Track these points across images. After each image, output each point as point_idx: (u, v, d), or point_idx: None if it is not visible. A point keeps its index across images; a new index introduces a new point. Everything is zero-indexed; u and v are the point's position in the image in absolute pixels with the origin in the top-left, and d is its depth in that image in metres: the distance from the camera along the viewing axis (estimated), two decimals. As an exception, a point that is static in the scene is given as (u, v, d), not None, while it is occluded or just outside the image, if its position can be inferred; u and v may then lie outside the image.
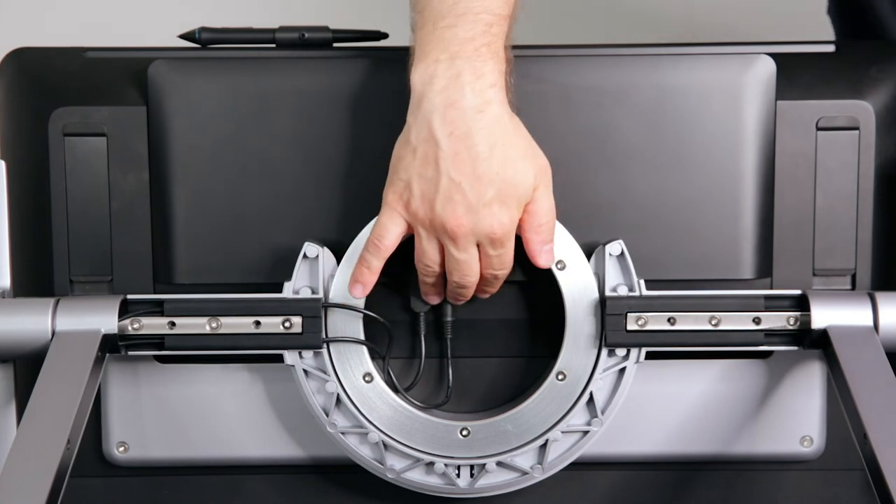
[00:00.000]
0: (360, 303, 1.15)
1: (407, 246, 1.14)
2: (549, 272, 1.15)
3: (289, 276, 1.15)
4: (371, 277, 1.13)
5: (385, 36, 1.23)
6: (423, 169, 1.09)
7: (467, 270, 1.12)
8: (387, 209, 1.11)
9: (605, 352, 1.15)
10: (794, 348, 1.16)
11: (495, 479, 1.17)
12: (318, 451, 1.20)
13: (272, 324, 1.15)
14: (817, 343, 1.15)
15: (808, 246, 1.19)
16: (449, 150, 1.08)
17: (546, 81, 1.16)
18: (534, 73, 1.15)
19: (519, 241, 1.14)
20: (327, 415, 1.16)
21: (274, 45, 1.21)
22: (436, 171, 1.09)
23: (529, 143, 1.11)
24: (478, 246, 1.11)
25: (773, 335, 1.16)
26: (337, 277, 1.15)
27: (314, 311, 1.14)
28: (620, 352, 1.15)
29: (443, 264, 1.12)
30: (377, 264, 1.12)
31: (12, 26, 1.97)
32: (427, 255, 1.12)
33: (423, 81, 1.09)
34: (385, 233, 1.11)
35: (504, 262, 1.12)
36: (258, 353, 1.16)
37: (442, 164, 1.08)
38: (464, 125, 1.08)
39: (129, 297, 1.16)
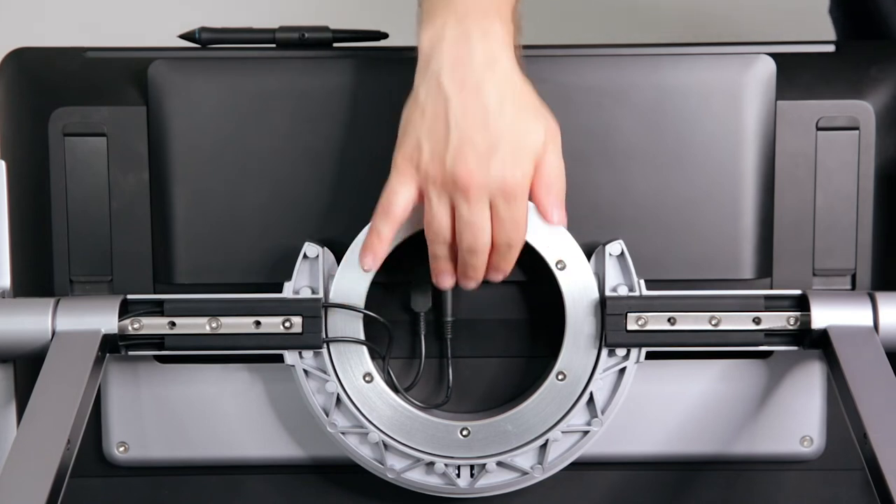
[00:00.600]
0: (361, 303, 1.15)
1: (408, 246, 1.14)
2: (549, 272, 1.15)
3: (289, 276, 1.15)
4: (382, 247, 1.11)
5: (385, 36, 1.22)
6: (432, 126, 1.08)
7: (479, 231, 1.09)
8: (396, 173, 1.10)
9: (605, 352, 1.15)
10: (794, 348, 1.16)
11: (495, 479, 1.17)
12: (318, 451, 1.20)
13: (272, 324, 1.15)
14: (817, 343, 1.15)
15: (808, 246, 1.19)
16: (458, 105, 1.07)
17: (546, 81, 1.16)
18: (534, 73, 1.15)
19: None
20: (327, 415, 1.16)
21: (274, 45, 1.21)
22: (445, 127, 1.08)
23: (539, 102, 1.10)
24: (490, 208, 1.09)
25: (773, 335, 1.16)
26: (337, 277, 1.15)
27: (314, 311, 1.14)
28: (620, 352, 1.15)
29: (454, 230, 1.10)
30: (388, 232, 1.11)
31: (12, 26, 1.97)
32: (437, 218, 1.09)
33: (430, 43, 1.09)
34: (395, 198, 1.10)
35: (518, 225, 1.10)
36: (258, 353, 1.16)
37: (452, 120, 1.08)
38: (473, 79, 1.08)
39: (129, 297, 1.16)
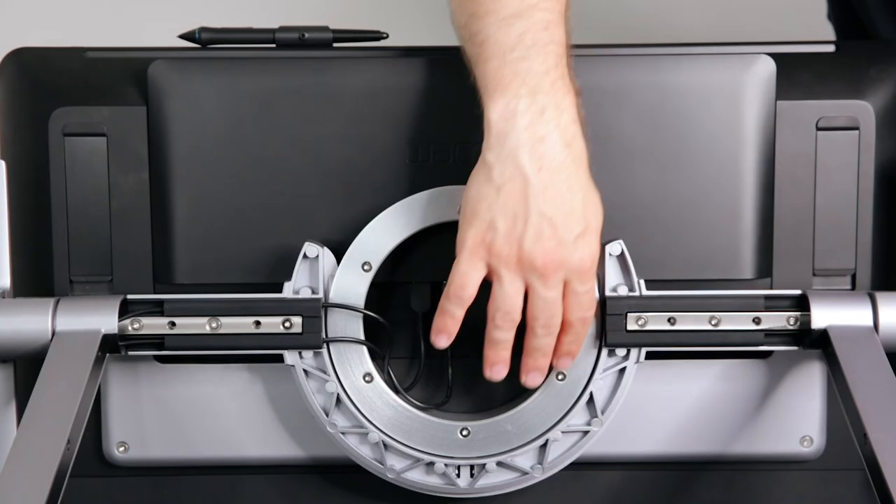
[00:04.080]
0: (360, 303, 1.15)
1: (408, 246, 1.14)
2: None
3: (289, 276, 1.15)
4: (455, 326, 1.10)
5: (385, 36, 1.22)
6: (509, 205, 1.07)
7: (555, 310, 1.09)
8: (466, 253, 1.08)
9: (605, 352, 1.15)
10: (794, 348, 1.16)
11: (495, 479, 1.17)
12: (318, 451, 1.20)
13: (272, 324, 1.15)
14: (817, 343, 1.15)
15: (808, 246, 1.19)
16: (539, 185, 1.06)
17: (546, 81, 1.16)
18: (534, 73, 1.15)
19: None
20: (327, 415, 1.16)
21: (274, 45, 1.21)
22: (524, 208, 1.07)
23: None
24: (564, 288, 1.09)
25: (773, 335, 1.16)
26: (337, 277, 1.15)
27: (314, 311, 1.14)
28: (620, 352, 1.15)
29: (523, 313, 1.09)
30: (460, 314, 1.10)
31: (12, 26, 1.97)
32: (509, 299, 1.08)
33: (504, 118, 1.07)
34: (467, 282, 1.09)
35: (591, 301, 1.11)
36: (258, 353, 1.16)
37: (531, 201, 1.07)
38: (553, 160, 1.07)
39: (129, 297, 1.16)
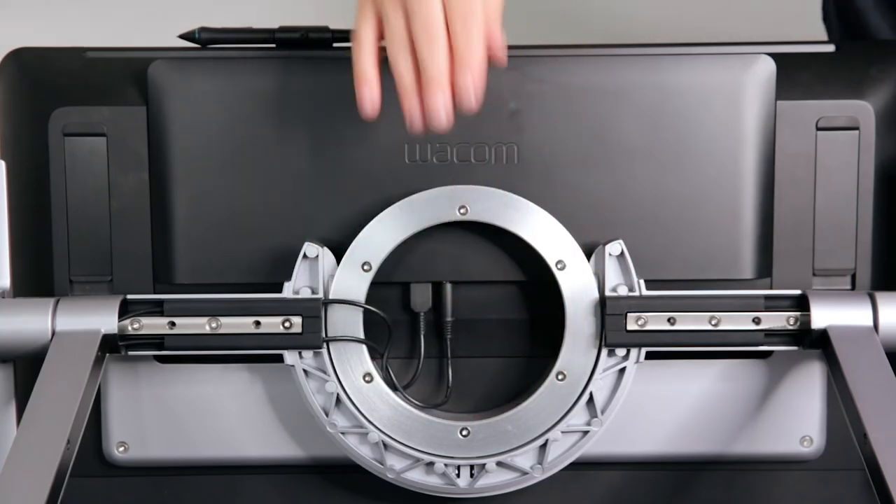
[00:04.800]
0: (361, 300, 1.15)
1: (408, 246, 1.14)
2: (549, 272, 1.15)
3: (289, 276, 1.15)
4: (375, 83, 1.09)
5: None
6: None
7: (433, 25, 1.06)
8: (358, 9, 1.10)
9: (605, 352, 1.15)
10: (794, 348, 1.16)
11: (495, 479, 1.17)
12: (318, 451, 1.20)
13: (272, 324, 1.15)
14: (817, 343, 1.15)
15: (808, 246, 1.19)
16: None
17: (546, 81, 1.16)
18: (534, 73, 1.15)
19: (511, 241, 1.14)
20: (327, 415, 1.16)
21: (274, 45, 1.21)
22: None
23: None
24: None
25: (773, 335, 1.16)
26: (337, 277, 1.15)
27: (314, 310, 1.14)
28: (620, 352, 1.15)
29: (415, 58, 1.08)
30: (371, 67, 1.09)
31: (12, 26, 1.97)
32: (392, 24, 1.07)
33: None
34: (361, 31, 1.09)
35: (473, 4, 1.06)
36: (258, 353, 1.16)
37: None
38: None
39: (129, 297, 1.16)
